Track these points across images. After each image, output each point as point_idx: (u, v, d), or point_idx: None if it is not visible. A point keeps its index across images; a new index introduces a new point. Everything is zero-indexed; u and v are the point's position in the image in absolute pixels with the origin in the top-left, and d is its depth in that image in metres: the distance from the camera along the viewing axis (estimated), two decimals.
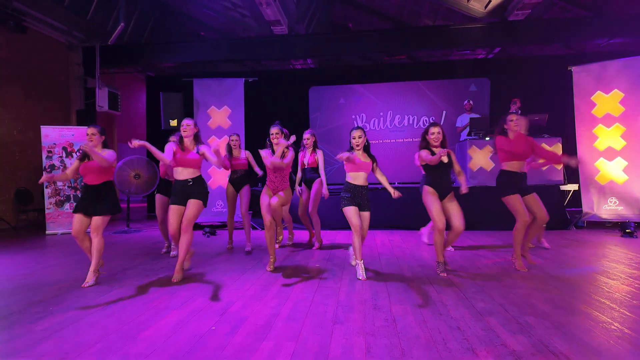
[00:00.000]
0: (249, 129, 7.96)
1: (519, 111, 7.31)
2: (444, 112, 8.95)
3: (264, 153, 4.16)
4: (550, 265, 4.19)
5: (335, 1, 10.13)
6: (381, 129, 9.16)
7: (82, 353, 2.25)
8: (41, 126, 7.23)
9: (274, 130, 4.16)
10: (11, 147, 7.66)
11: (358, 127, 3.92)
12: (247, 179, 5.19)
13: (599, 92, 6.83)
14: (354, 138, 3.87)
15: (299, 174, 5.32)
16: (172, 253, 4.82)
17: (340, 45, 8.41)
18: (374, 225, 6.06)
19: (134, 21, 9.93)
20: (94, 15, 8.97)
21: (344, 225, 5.82)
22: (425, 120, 9.04)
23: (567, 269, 4.01)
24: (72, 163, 4.20)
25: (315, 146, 5.20)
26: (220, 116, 7.81)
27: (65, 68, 8.87)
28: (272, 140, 4.17)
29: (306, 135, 5.21)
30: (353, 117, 9.19)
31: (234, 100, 7.84)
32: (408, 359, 2.12)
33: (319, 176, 5.12)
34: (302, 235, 6.24)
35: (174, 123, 7.30)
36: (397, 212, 6.84)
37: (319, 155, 5.12)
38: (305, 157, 5.21)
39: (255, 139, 6.63)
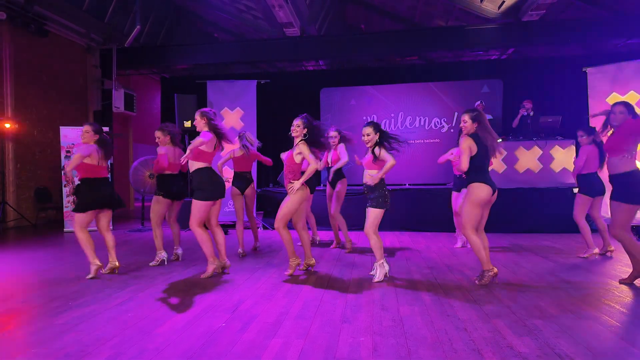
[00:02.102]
0: (261, 130, 8.05)
1: (531, 112, 7.24)
2: (456, 113, 8.89)
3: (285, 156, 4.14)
4: (561, 268, 4.17)
5: (347, 3, 10.16)
6: (392, 130, 9.15)
7: (101, 346, 2.35)
8: (60, 127, 7.44)
9: (296, 122, 3.84)
10: (32, 147, 7.91)
11: (368, 124, 3.72)
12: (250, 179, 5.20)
13: (614, 93, 6.72)
14: (362, 135, 3.70)
15: (324, 173, 5.09)
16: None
17: (352, 47, 8.43)
18: (383, 226, 6.03)
19: (150, 23, 10.13)
20: (111, 18, 9.20)
21: (358, 226, 5.74)
22: (437, 121, 9.01)
23: (578, 272, 3.99)
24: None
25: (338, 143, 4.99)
26: (233, 117, 7.91)
27: (84, 70, 9.11)
28: (292, 133, 3.84)
29: (332, 133, 4.92)
30: (364, 118, 9.20)
31: (247, 101, 7.94)
32: (414, 359, 2.16)
33: (343, 176, 5.07)
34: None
35: (187, 124, 7.44)
36: (407, 213, 6.84)
37: (341, 150, 4.92)
38: (330, 156, 5.05)
39: (267, 140, 6.69)
